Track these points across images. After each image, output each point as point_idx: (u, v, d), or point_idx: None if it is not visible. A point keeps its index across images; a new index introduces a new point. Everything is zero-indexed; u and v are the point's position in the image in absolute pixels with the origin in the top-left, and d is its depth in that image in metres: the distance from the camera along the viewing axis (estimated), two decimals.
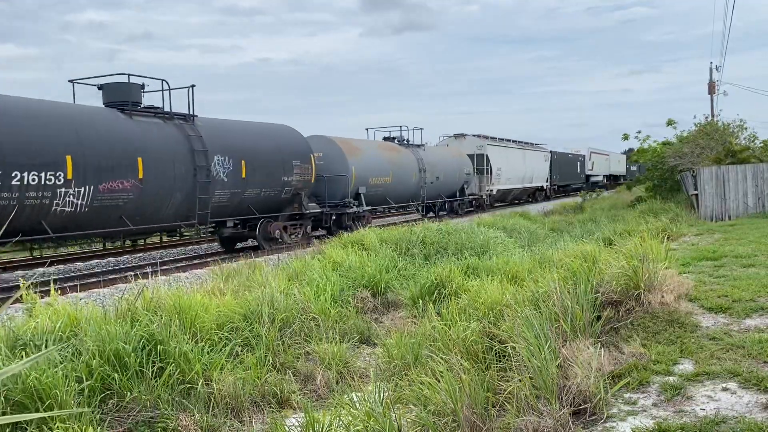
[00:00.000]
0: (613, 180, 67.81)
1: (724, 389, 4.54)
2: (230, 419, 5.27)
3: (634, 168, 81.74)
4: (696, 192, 19.48)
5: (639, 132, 63.46)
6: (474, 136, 33.22)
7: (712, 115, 30.89)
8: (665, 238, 9.54)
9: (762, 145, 24.56)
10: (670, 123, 29.20)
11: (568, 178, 49.26)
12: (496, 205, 35.61)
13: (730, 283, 7.77)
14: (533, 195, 42.08)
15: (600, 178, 60.79)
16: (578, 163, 52.63)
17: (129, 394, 5.20)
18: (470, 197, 31.21)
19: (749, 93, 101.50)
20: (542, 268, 8.93)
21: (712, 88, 34.84)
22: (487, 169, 32.37)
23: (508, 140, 37.03)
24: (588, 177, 55.92)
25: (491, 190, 32.98)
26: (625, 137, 34.06)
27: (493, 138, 34.75)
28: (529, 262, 9.70)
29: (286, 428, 4.70)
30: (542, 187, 42.63)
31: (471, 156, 31.52)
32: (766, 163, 19.55)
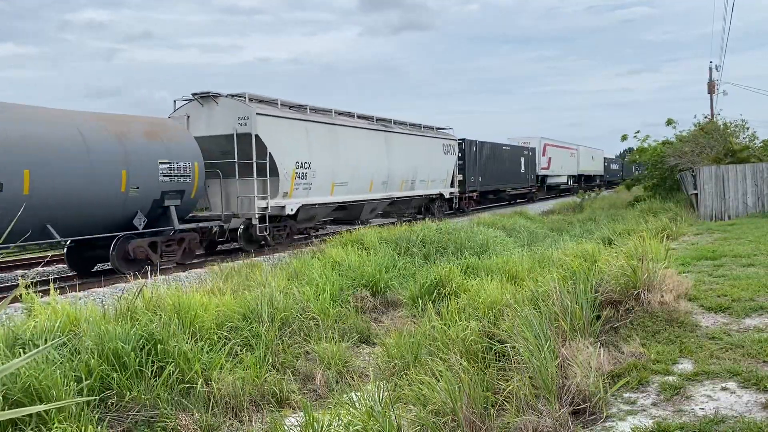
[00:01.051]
0: (585, 181, 54.27)
1: (724, 389, 4.54)
2: (230, 419, 5.27)
3: (615, 166, 68.79)
4: (695, 191, 19.49)
5: (638, 132, 63.47)
6: (234, 97, 15.52)
7: (712, 115, 30.91)
8: (665, 237, 9.54)
9: (762, 144, 24.59)
10: (669, 122, 29.24)
11: (502, 180, 33.28)
12: (317, 235, 18.42)
13: (729, 282, 7.77)
14: (426, 208, 24.82)
15: (562, 179, 46.89)
16: (522, 159, 37.01)
17: (128, 393, 5.20)
18: (207, 225, 14.73)
19: (749, 92, 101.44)
20: (542, 267, 8.93)
21: (711, 88, 34.85)
22: (263, 164, 15.19)
23: (339, 113, 19.20)
24: (542, 178, 42.31)
25: (279, 208, 15.86)
26: (624, 138, 34.07)
27: (284, 105, 16.84)
28: (528, 262, 9.70)
29: (286, 428, 4.70)
30: (442, 194, 25.28)
31: (219, 138, 15.27)
32: (766, 163, 19.57)
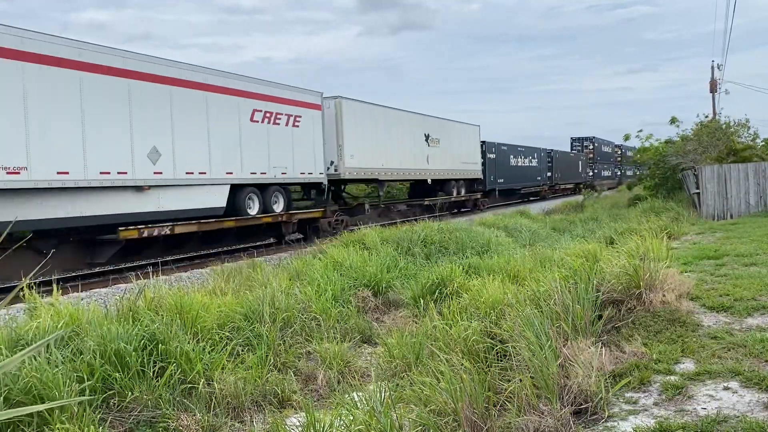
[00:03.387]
0: (415, 193, 28.20)
1: (726, 388, 4.54)
2: (231, 419, 5.27)
3: (531, 162, 39.57)
4: (698, 191, 19.46)
5: (640, 131, 63.34)
6: None
7: (714, 114, 30.92)
8: (666, 236, 9.53)
9: (764, 143, 24.59)
10: (673, 121, 29.27)
11: None
12: None
13: (731, 281, 7.75)
14: None
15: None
16: None
17: (130, 393, 5.20)
18: None
19: (751, 91, 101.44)
20: (543, 267, 8.92)
21: (713, 87, 34.82)
22: None
23: None
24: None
25: None
26: (626, 137, 34.25)
27: None
28: (530, 261, 9.69)
29: (287, 428, 4.70)
30: None
31: None
32: None
